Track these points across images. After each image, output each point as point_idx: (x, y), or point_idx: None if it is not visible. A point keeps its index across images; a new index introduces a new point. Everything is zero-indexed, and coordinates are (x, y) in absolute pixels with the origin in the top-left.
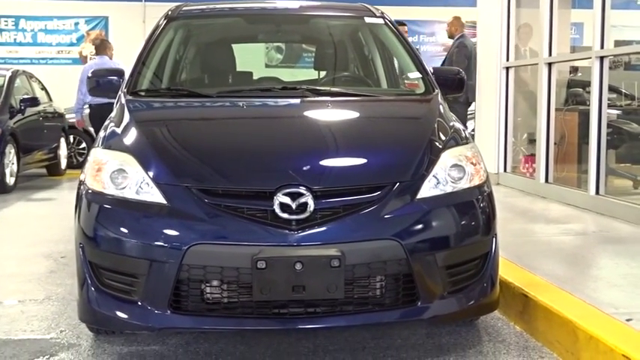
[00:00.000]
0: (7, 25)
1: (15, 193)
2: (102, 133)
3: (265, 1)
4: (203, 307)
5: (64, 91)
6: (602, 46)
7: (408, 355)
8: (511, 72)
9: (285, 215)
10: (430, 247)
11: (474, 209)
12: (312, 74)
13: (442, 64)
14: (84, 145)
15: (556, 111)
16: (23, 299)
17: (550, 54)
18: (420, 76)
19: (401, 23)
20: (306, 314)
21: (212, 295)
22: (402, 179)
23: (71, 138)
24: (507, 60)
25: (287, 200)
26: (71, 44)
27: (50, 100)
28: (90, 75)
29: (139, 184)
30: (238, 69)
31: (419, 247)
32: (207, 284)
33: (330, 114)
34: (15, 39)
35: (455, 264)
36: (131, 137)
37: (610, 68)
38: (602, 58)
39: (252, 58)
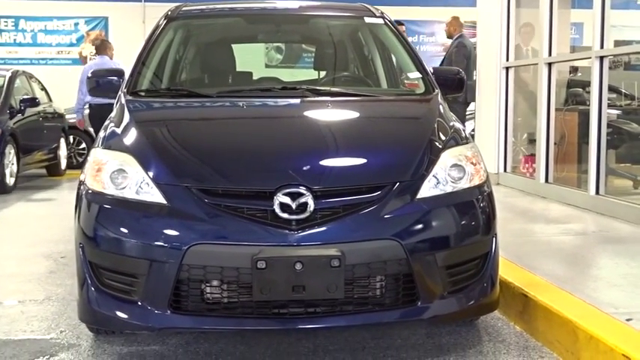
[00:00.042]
0: (6, 25)
1: (15, 194)
2: (102, 133)
3: (265, 1)
4: (203, 307)
5: (64, 92)
6: (601, 46)
7: (408, 355)
8: (511, 72)
9: (285, 215)
10: (430, 247)
11: (474, 209)
12: (312, 74)
13: (441, 64)
14: (84, 145)
15: (556, 111)
16: (23, 299)
17: (550, 54)
18: (420, 76)
19: (399, 23)
20: (306, 314)
21: (212, 295)
22: (402, 179)
23: (71, 138)
24: (507, 60)
25: (287, 200)
26: (71, 45)
27: (50, 100)
28: (90, 75)
29: (138, 184)
30: (238, 69)
31: (419, 247)
32: (207, 284)
33: (330, 114)
34: (15, 39)
35: (455, 264)
36: (131, 137)
37: (610, 68)
38: (602, 58)
39: (252, 58)
